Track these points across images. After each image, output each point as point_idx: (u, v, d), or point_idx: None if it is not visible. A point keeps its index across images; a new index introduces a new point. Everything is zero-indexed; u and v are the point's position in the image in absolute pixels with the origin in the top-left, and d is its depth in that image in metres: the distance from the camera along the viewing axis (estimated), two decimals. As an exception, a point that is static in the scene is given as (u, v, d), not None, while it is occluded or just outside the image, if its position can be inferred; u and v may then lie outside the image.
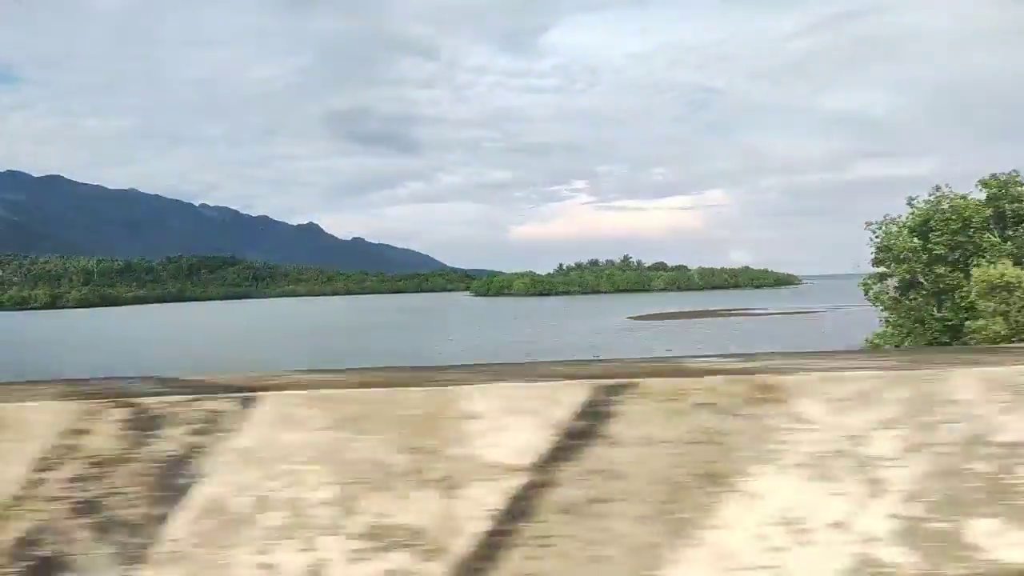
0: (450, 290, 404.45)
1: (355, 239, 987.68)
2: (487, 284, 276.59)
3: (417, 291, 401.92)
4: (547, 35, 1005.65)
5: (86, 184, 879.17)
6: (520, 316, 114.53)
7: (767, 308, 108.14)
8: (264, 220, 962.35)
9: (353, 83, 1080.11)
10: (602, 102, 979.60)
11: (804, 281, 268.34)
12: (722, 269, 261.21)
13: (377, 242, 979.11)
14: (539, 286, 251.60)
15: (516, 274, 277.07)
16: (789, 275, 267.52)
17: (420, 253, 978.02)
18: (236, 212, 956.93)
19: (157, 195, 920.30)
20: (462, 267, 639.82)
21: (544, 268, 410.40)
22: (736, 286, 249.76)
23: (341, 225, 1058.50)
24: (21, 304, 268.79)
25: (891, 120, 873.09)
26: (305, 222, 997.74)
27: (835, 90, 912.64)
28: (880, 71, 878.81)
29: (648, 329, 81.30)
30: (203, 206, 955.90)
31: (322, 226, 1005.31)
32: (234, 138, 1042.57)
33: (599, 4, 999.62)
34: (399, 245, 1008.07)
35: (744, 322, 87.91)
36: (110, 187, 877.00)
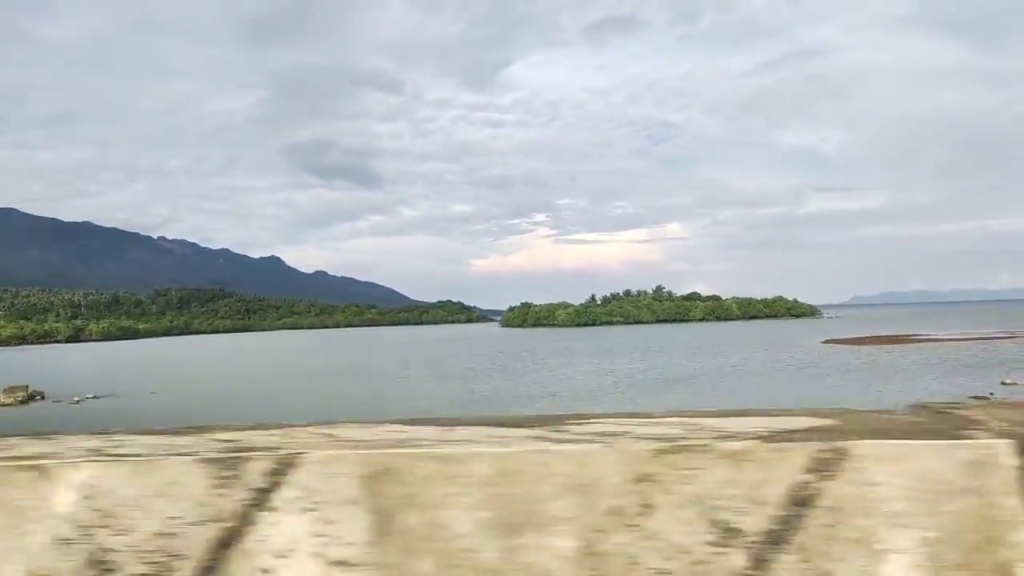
0: (451, 322, 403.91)
1: (318, 272, 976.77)
2: (521, 315, 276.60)
3: (418, 323, 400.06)
4: (508, 70, 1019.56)
5: (40, 216, 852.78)
6: (660, 348, 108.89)
7: (948, 333, 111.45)
8: (225, 253, 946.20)
9: (314, 116, 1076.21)
10: (562, 136, 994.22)
11: (824, 313, 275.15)
12: (759, 299, 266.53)
13: (340, 275, 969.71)
14: (583, 317, 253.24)
15: (550, 304, 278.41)
16: (811, 306, 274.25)
17: (382, 286, 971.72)
18: (196, 245, 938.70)
19: (114, 228, 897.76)
20: (424, 300, 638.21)
21: (507, 301, 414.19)
22: (773, 315, 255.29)
23: (303, 258, 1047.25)
24: (44, 337, 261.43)
25: (843, 156, 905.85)
26: (267, 255, 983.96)
27: (789, 126, 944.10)
28: (832, 108, 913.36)
29: (893, 355, 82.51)
30: (161, 239, 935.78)
31: (284, 259, 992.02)
32: (193, 170, 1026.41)
33: (559, 40, 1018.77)
34: (361, 278, 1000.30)
35: (958, 349, 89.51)
36: (64, 220, 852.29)
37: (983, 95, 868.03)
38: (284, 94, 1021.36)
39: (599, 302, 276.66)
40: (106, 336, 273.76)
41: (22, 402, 61.22)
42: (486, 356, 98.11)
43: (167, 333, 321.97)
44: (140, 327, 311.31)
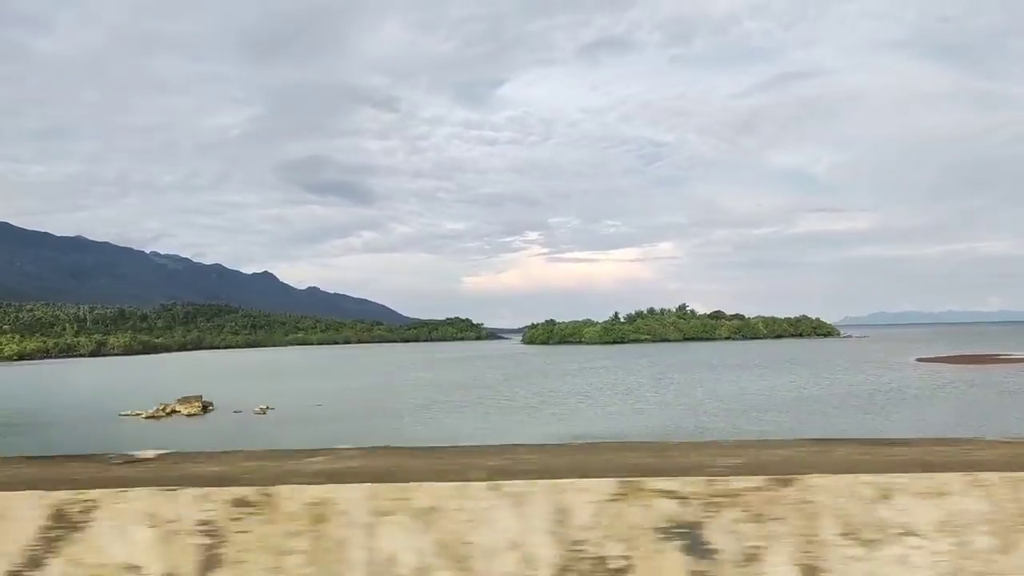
0: (460, 339, 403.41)
1: (310, 288, 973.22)
2: (545, 333, 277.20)
3: (428, 340, 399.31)
4: (502, 88, 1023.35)
5: (32, 231, 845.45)
6: (742, 365, 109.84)
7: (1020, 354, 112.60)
8: (218, 268, 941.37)
9: (309, 132, 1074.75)
10: (556, 154, 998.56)
11: (843, 332, 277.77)
12: (783, 318, 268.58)
13: (333, 291, 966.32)
14: (611, 335, 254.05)
15: (575, 322, 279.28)
16: (833, 326, 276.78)
17: (375, 303, 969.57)
18: (189, 260, 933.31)
19: (106, 242, 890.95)
20: (417, 317, 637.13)
21: (500, 319, 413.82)
22: (798, 334, 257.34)
23: (295, 274, 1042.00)
24: (68, 351, 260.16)
25: (834, 177, 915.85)
26: (260, 271, 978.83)
27: (781, 147, 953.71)
28: (823, 130, 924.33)
29: (1006, 375, 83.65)
30: (154, 254, 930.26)
31: (277, 275, 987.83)
32: (186, 185, 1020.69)
33: (554, 59, 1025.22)
34: (354, 294, 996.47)
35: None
36: (56, 234, 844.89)
37: (973, 119, 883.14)
38: (279, 110, 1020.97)
39: (622, 320, 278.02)
40: (128, 350, 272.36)
41: (202, 412, 61.18)
42: (608, 371, 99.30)
43: (182, 348, 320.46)
44: (157, 341, 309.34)
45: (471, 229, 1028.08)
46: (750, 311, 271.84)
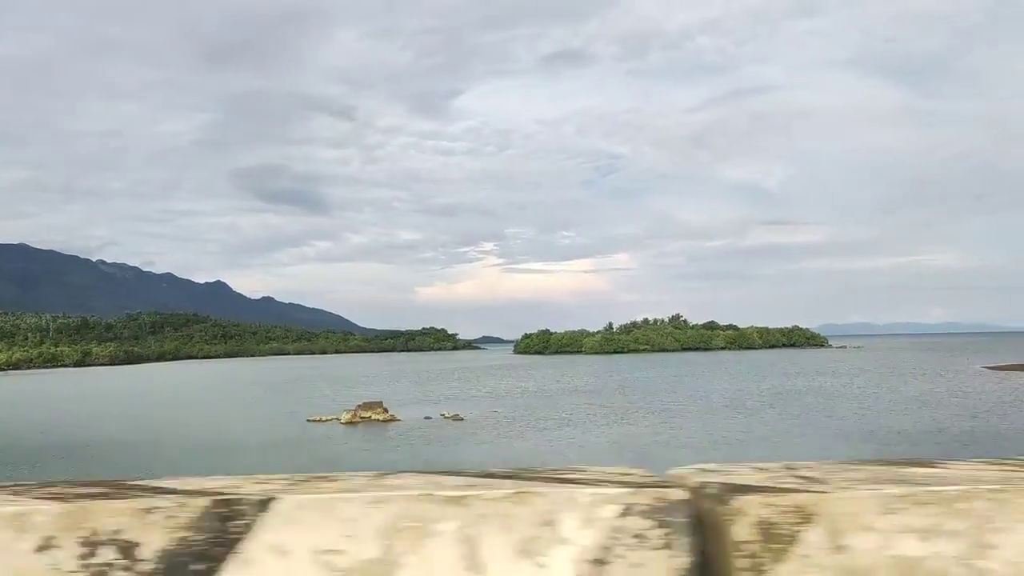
0: (437, 349, 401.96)
1: (264, 298, 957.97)
2: (541, 342, 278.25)
3: (404, 350, 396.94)
4: (459, 99, 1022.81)
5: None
6: (789, 374, 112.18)
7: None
8: (169, 277, 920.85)
9: (263, 140, 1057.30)
10: (512, 166, 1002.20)
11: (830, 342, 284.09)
12: (777, 329, 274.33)
13: (287, 301, 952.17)
14: (611, 345, 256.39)
15: (570, 332, 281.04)
16: (823, 337, 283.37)
17: (330, 312, 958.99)
18: (138, 269, 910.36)
19: (51, 250, 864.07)
20: (371, 327, 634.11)
21: (454, 330, 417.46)
22: (793, 345, 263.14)
23: (248, 283, 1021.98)
24: (52, 361, 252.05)
25: (785, 191, 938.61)
26: (212, 280, 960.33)
27: (734, 161, 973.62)
28: (775, 144, 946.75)
29: None
30: (100, 262, 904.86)
31: (229, 284, 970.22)
32: (135, 193, 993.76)
33: (511, 71, 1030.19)
34: (308, 304, 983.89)
35: None
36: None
37: (918, 136, 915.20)
38: (233, 118, 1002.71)
39: (615, 330, 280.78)
40: (113, 360, 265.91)
41: (391, 418, 60.76)
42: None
43: (160, 358, 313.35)
44: (140, 351, 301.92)
45: (426, 239, 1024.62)
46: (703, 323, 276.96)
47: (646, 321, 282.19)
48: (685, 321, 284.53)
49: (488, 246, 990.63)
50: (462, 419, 59.72)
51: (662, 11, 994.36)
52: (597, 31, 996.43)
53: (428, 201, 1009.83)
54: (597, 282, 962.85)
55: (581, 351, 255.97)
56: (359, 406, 63.05)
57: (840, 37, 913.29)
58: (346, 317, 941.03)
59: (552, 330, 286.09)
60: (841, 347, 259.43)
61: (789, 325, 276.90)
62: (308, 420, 61.62)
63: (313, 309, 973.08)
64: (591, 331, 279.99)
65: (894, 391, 75.62)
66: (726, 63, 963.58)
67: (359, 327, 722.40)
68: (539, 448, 45.84)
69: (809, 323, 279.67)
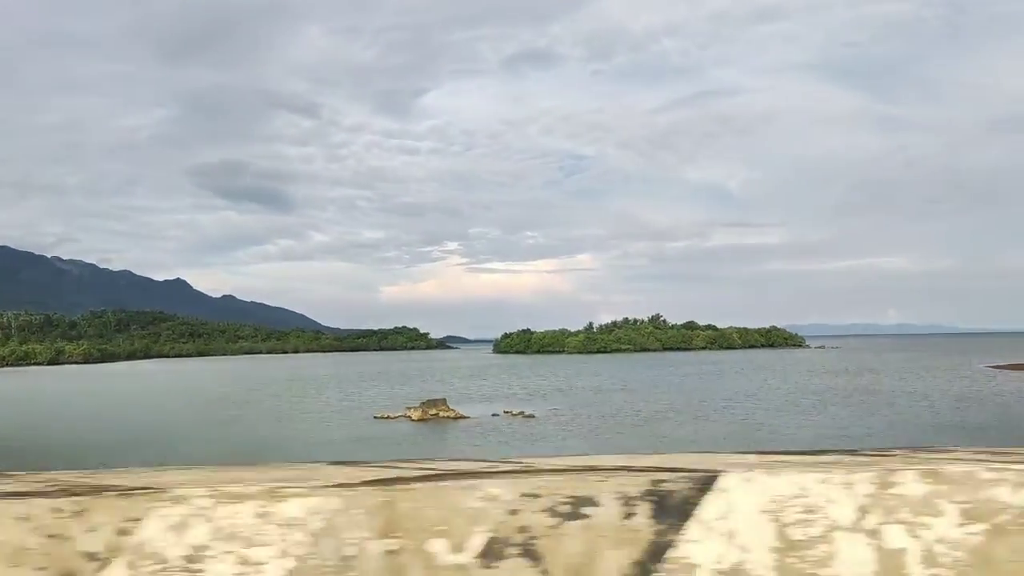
0: (411, 348, 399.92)
1: (225, 296, 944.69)
2: (522, 341, 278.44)
3: (377, 348, 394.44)
4: (425, 98, 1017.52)
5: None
6: (809, 372, 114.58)
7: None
8: (126, 275, 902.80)
9: (225, 137, 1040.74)
10: (477, 165, 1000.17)
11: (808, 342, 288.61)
12: (755, 329, 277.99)
13: (249, 300, 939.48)
14: (594, 344, 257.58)
15: (552, 331, 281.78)
16: (801, 337, 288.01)
17: (293, 311, 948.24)
18: (95, 266, 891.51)
19: (5, 246, 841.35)
20: (335, 327, 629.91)
21: (422, 328, 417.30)
22: (771, 345, 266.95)
23: (209, 281, 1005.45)
24: (24, 360, 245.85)
25: (747, 193, 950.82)
26: (172, 278, 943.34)
27: (698, 163, 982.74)
28: (737, 147, 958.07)
29: None
30: (56, 259, 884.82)
31: (190, 282, 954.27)
32: (91, 189, 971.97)
33: (476, 71, 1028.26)
34: (271, 303, 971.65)
35: None
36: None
37: (874, 140, 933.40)
38: (194, 113, 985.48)
39: (595, 330, 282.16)
40: (87, 358, 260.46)
41: (454, 417, 60.35)
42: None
43: (131, 356, 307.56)
44: (111, 349, 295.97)
45: (390, 238, 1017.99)
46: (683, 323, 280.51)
47: (626, 321, 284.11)
48: (664, 321, 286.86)
49: (452, 245, 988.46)
50: (533, 416, 59.55)
51: (627, 13, 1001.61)
52: (563, 32, 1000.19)
53: (392, 200, 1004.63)
54: (560, 282, 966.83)
55: (564, 351, 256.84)
56: (423, 403, 62.58)
57: (801, 41, 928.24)
58: (309, 316, 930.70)
59: (512, 331, 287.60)
60: (820, 347, 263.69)
61: (755, 325, 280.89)
62: (375, 417, 61.01)
63: (276, 308, 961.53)
64: (571, 331, 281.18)
65: (939, 387, 77.33)
66: (690, 66, 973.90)
67: (322, 326, 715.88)
68: (648, 442, 45.80)
69: (771, 323, 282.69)
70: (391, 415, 61.21)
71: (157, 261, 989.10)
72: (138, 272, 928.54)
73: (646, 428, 52.37)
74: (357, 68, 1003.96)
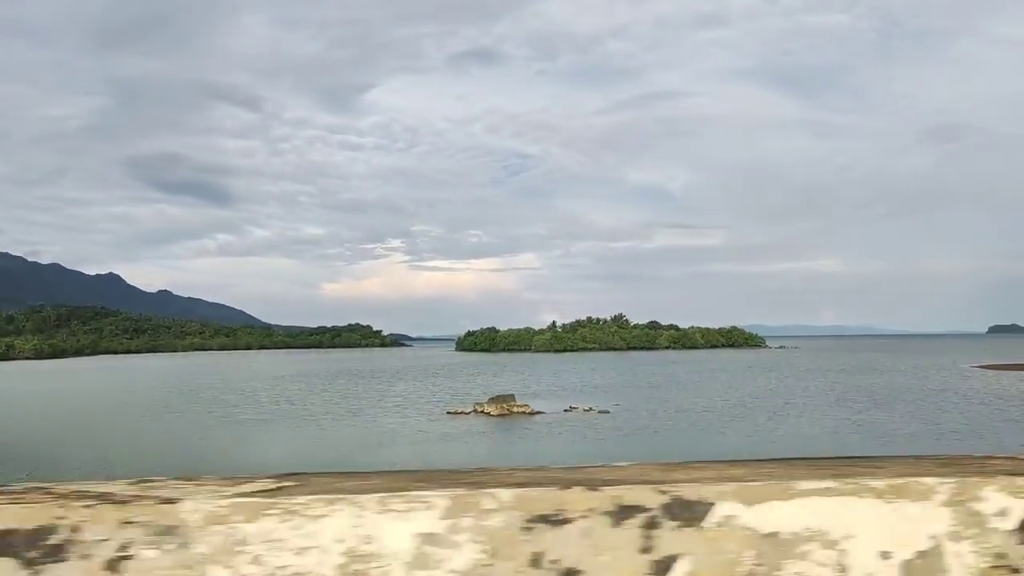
0: (364, 345, 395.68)
1: (161, 291, 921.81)
2: (487, 340, 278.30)
3: (330, 346, 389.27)
4: (369, 94, 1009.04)
5: None
6: (806, 371, 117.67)
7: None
8: (56, 268, 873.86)
9: (161, 128, 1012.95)
10: (421, 163, 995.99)
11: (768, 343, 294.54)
12: (717, 329, 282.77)
13: (186, 295, 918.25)
14: (561, 343, 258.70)
15: (517, 330, 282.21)
16: (761, 338, 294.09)
17: (232, 307, 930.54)
18: (22, 259, 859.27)
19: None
20: (276, 323, 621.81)
21: (369, 325, 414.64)
22: (731, 344, 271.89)
23: (144, 276, 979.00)
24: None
25: (688, 195, 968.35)
26: (104, 272, 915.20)
27: (641, 165, 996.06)
28: (679, 150, 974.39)
29: None
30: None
31: (123, 276, 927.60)
32: (17, 179, 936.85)
33: (421, 67, 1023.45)
34: (209, 299, 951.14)
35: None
36: None
37: (810, 146, 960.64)
38: (129, 103, 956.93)
39: (559, 328, 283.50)
40: (38, 354, 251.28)
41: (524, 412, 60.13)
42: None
43: (79, 353, 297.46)
44: (61, 345, 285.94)
45: (332, 235, 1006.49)
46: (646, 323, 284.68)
47: (590, 320, 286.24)
48: (627, 320, 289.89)
49: (395, 243, 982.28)
50: (607, 412, 59.69)
51: (573, 14, 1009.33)
52: (508, 31, 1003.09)
53: (335, 196, 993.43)
54: (503, 281, 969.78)
55: (530, 349, 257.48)
56: (491, 399, 62.22)
57: (742, 48, 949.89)
58: (249, 312, 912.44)
59: (455, 330, 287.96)
60: (781, 347, 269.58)
61: (697, 325, 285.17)
62: (448, 412, 60.46)
63: (214, 304, 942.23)
64: (535, 329, 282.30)
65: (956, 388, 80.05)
66: (634, 68, 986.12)
67: (262, 323, 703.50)
68: (746, 439, 46.26)
69: (711, 324, 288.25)
70: (464, 410, 60.77)
71: (88, 254, 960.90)
72: (68, 265, 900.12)
73: (735, 425, 52.92)
74: (300, 62, 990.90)
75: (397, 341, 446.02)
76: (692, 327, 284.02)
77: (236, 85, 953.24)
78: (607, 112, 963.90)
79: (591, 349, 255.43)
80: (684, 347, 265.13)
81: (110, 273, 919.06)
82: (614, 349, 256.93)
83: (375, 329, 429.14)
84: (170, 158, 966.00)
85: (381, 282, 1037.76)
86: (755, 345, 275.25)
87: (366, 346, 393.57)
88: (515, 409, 60.04)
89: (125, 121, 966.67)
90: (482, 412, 59.58)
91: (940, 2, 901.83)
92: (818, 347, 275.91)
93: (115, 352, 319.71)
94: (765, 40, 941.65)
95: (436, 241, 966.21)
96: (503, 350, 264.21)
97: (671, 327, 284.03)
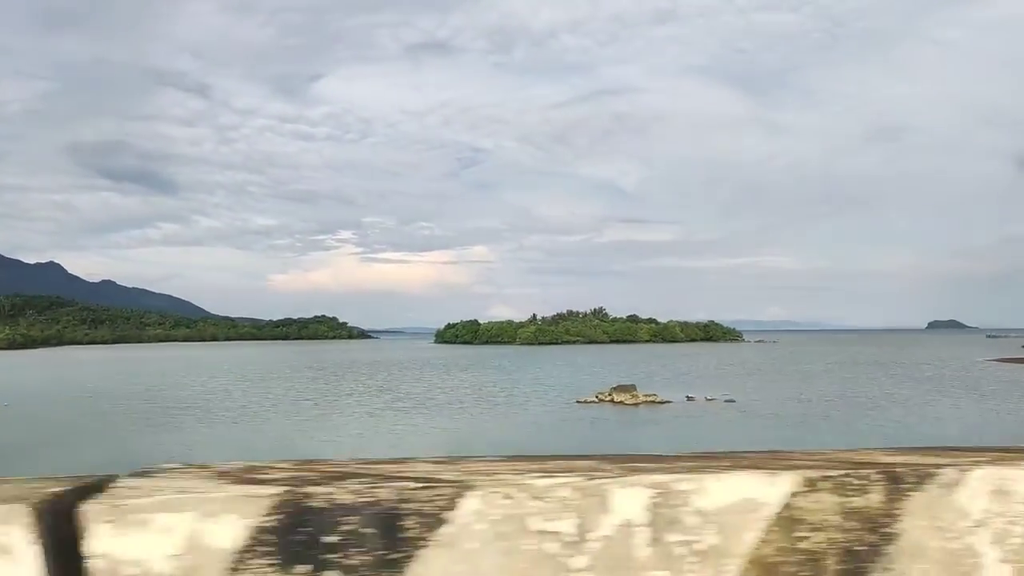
0: (331, 338, 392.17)
1: (104, 281, 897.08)
2: (469, 332, 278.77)
3: (297, 338, 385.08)
4: (321, 83, 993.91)
5: None
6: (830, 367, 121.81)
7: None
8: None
9: (104, 114, 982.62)
10: (373, 154, 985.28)
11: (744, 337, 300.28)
12: (694, 323, 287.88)
13: (130, 285, 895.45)
14: (545, 335, 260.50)
15: (499, 322, 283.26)
16: (738, 332, 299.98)
17: (178, 298, 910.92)
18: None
19: None
20: (224, 314, 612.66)
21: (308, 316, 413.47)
22: (710, 339, 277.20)
23: (86, 265, 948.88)
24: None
25: (640, 190, 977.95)
26: (44, 261, 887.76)
27: (594, 159, 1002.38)
28: (632, 145, 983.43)
29: None
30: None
31: (64, 265, 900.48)
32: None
33: (375, 58, 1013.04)
34: (154, 289, 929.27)
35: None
36: None
37: (759, 144, 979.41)
38: (72, 88, 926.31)
39: (538, 321, 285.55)
40: (11, 344, 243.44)
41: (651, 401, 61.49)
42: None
43: (45, 343, 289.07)
44: (32, 335, 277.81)
45: (282, 226, 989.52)
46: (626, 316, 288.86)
47: (571, 313, 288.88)
48: (606, 314, 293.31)
49: (346, 234, 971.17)
50: (733, 400, 61.35)
51: (529, 7, 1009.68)
52: (463, 23, 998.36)
53: (285, 186, 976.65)
54: (455, 274, 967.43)
55: (514, 342, 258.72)
56: (614, 388, 63.43)
57: (695, 45, 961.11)
58: (196, 303, 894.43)
59: (401, 323, 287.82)
60: (759, 341, 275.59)
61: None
62: (577, 402, 61.46)
63: (160, 295, 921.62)
64: (516, 321, 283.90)
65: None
66: (589, 63, 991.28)
67: (211, 314, 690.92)
68: (898, 427, 48.23)
69: (662, 319, 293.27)
70: (591, 400, 61.91)
71: (27, 242, 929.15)
72: (6, 254, 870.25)
73: (870, 416, 54.85)
74: (250, 49, 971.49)
75: (364, 334, 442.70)
76: (671, 321, 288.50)
77: (184, 71, 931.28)
78: (561, 106, 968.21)
79: (575, 342, 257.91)
80: (664, 340, 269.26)
81: (50, 262, 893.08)
82: (596, 342, 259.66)
83: (341, 321, 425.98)
84: (114, 145, 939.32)
85: (331, 274, 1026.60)
86: (733, 339, 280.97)
87: (333, 338, 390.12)
88: (643, 398, 61.34)
89: (68, 106, 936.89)
90: (614, 401, 60.70)
91: (883, 4, 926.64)
92: (794, 341, 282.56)
93: (79, 343, 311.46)
94: (718, 38, 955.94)
95: (388, 233, 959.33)
96: (486, 343, 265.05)
97: (650, 321, 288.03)
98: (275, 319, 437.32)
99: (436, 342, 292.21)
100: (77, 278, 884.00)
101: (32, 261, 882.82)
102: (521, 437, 44.70)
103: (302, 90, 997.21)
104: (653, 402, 60.74)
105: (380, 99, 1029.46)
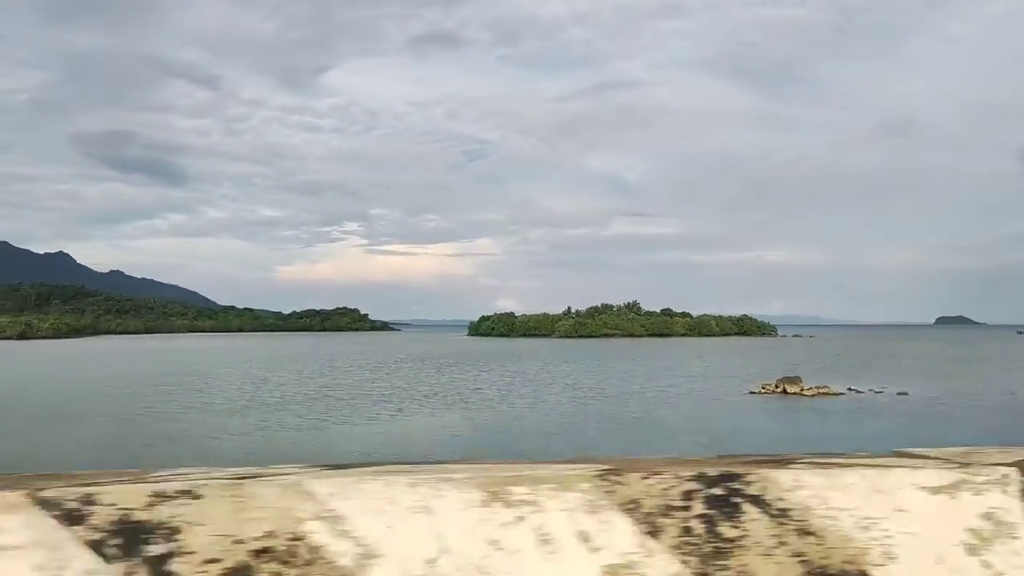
0: (354, 329, 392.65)
1: (113, 271, 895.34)
2: (505, 325, 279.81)
3: (321, 330, 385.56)
4: (327, 75, 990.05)
5: None
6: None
7: None
8: (3, 247, 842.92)
9: (113, 104, 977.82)
10: (379, 146, 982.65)
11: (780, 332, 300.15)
12: (728, 317, 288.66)
13: (139, 276, 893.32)
14: (584, 329, 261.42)
15: (536, 315, 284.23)
16: (773, 326, 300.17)
17: (186, 289, 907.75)
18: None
19: None
20: (231, 304, 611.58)
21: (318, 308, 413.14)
22: (744, 333, 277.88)
23: (94, 255, 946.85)
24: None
25: (644, 184, 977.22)
26: (53, 251, 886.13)
27: (599, 152, 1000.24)
28: (637, 139, 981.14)
29: None
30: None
31: (73, 255, 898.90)
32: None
33: (381, 50, 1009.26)
34: (162, 280, 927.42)
35: None
36: None
37: (763, 138, 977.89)
38: (78, 78, 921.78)
39: (572, 314, 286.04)
40: (56, 333, 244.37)
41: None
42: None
43: (80, 333, 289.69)
44: (77, 325, 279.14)
45: (288, 217, 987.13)
46: (559, 310, 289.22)
47: (606, 306, 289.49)
48: (640, 307, 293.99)
49: (352, 226, 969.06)
50: (906, 393, 61.71)
51: (535, 0, 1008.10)
52: (470, 15, 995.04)
53: (291, 178, 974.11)
54: (459, 266, 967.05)
55: (553, 335, 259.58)
56: (780, 380, 63.89)
57: (701, 38, 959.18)
58: (203, 294, 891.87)
59: (405, 315, 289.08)
60: (795, 336, 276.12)
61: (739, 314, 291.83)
62: (750, 393, 61.91)
63: (168, 285, 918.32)
64: (551, 314, 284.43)
65: None
66: (595, 56, 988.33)
67: (218, 305, 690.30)
68: None
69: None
70: (756, 391, 62.47)
71: (35, 233, 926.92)
72: (16, 244, 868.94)
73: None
74: (257, 40, 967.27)
75: (387, 325, 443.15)
76: (705, 315, 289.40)
77: (191, 62, 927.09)
78: (567, 99, 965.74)
79: (613, 335, 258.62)
80: (700, 334, 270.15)
81: (60, 252, 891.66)
82: (633, 335, 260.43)
83: (363, 313, 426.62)
84: (122, 135, 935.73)
85: (337, 265, 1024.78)
86: (767, 333, 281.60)
87: (356, 330, 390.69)
88: (819, 391, 61.78)
89: (75, 96, 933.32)
90: (786, 392, 61.13)
91: None
92: (830, 336, 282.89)
93: (113, 333, 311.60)
94: (725, 31, 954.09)
95: (393, 225, 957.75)
96: (523, 335, 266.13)
97: (684, 315, 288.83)
98: (285, 311, 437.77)
99: (470, 334, 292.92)
100: (86, 268, 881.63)
101: (41, 251, 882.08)
102: (734, 424, 44.85)
103: (308, 82, 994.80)
104: (827, 394, 61.09)
105: (386, 91, 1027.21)
